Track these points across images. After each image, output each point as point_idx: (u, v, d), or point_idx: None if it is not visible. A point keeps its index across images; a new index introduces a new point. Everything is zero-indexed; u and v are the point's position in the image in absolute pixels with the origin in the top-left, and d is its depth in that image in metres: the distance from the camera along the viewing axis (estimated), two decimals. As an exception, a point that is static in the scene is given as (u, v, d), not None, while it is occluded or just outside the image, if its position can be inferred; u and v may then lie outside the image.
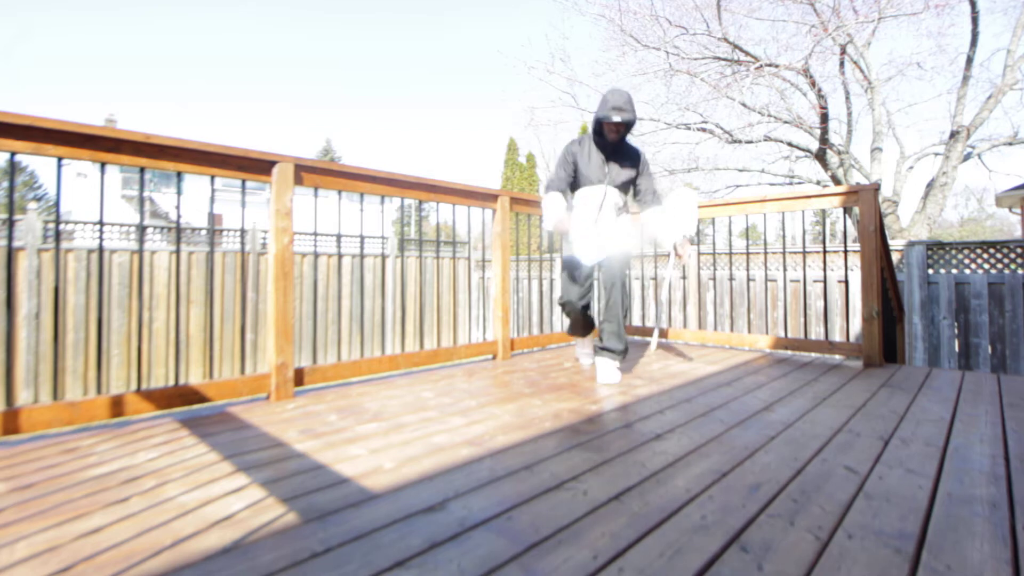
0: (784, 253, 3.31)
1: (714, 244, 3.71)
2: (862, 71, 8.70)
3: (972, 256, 5.48)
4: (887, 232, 7.57)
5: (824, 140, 8.91)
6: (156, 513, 1.07)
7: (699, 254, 4.94)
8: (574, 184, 2.65)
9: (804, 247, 3.17)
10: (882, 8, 7.75)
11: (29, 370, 6.49)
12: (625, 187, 2.63)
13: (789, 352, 3.22)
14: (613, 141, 2.52)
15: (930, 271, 5.68)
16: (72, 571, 0.86)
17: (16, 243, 6.55)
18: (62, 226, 7.94)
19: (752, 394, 2.14)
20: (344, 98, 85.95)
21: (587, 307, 2.72)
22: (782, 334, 6.11)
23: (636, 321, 6.65)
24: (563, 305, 2.70)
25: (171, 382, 7.45)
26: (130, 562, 0.89)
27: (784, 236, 3.47)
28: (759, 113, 9.32)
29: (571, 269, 2.65)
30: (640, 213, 2.74)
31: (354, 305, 8.85)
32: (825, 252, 3.22)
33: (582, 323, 2.78)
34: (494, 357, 3.09)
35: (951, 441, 1.54)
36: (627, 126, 2.48)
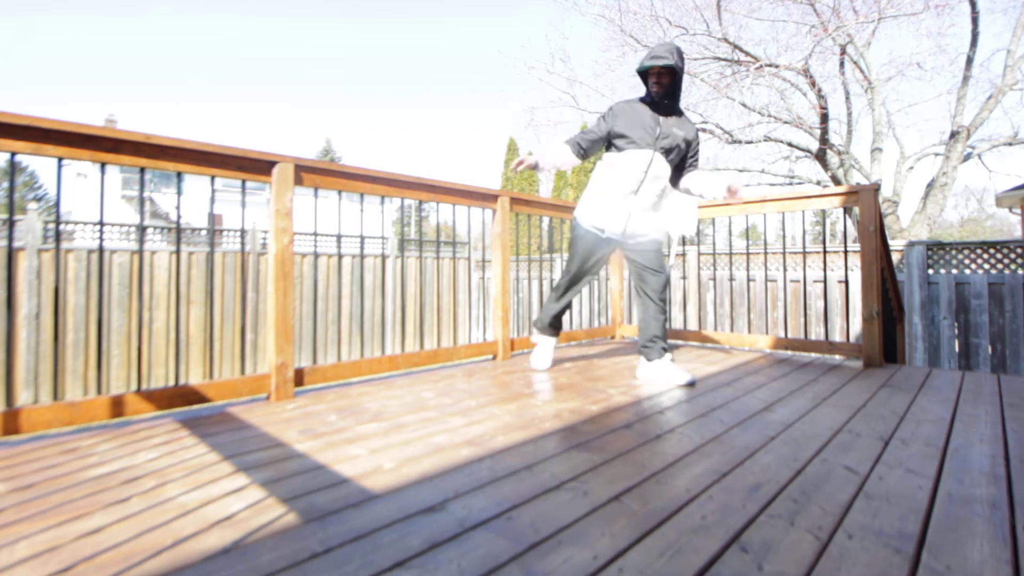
0: (784, 253, 3.32)
1: (714, 244, 3.71)
2: (862, 71, 8.70)
3: (972, 256, 5.47)
4: (887, 232, 7.56)
5: (824, 140, 8.90)
6: (156, 513, 1.07)
7: (699, 254, 4.94)
8: (614, 147, 2.40)
9: (804, 247, 3.17)
10: (882, 8, 7.75)
11: (29, 370, 6.48)
12: (674, 157, 2.36)
13: (789, 352, 3.22)
14: (657, 93, 2.31)
15: (930, 271, 5.68)
16: (72, 571, 0.86)
17: (16, 243, 6.55)
18: (62, 226, 7.94)
19: (752, 394, 2.14)
20: (344, 98, 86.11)
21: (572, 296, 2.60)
22: (782, 334, 6.11)
23: (636, 321, 6.65)
24: (567, 286, 2.54)
25: (171, 382, 7.44)
26: (130, 562, 0.89)
27: (784, 236, 3.47)
28: (759, 113, 9.32)
29: (588, 242, 2.45)
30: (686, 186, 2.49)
31: (354, 305, 8.84)
32: (825, 252, 3.22)
33: (560, 315, 2.65)
34: (494, 357, 3.09)
35: (951, 441, 1.54)
36: (671, 74, 2.28)
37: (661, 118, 2.35)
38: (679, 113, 2.41)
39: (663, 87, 2.30)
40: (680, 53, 2.32)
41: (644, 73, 2.32)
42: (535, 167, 2.50)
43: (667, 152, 2.35)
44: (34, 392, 6.53)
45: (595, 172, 2.54)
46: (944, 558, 0.91)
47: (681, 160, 2.45)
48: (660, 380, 2.36)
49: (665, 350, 2.42)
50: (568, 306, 2.66)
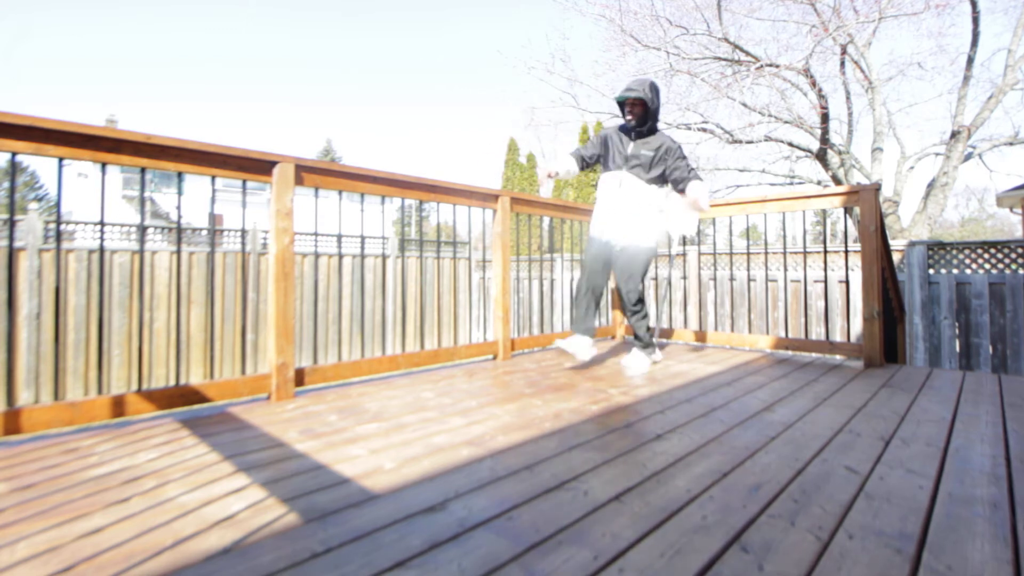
0: (785, 253, 3.31)
1: (715, 244, 3.71)
2: (863, 71, 8.70)
3: (973, 256, 5.47)
4: (888, 232, 7.55)
5: (825, 140, 8.90)
6: (156, 513, 1.07)
7: (699, 254, 4.94)
8: (602, 165, 2.89)
9: (805, 247, 3.17)
10: (882, 8, 7.74)
11: (30, 370, 6.48)
12: (647, 172, 2.70)
13: (790, 352, 3.22)
14: (629, 122, 2.70)
15: (931, 271, 5.67)
16: (73, 571, 0.86)
17: (17, 243, 6.55)
18: (63, 226, 7.94)
19: (752, 394, 2.13)
20: (344, 98, 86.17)
21: (597, 297, 2.78)
22: (783, 334, 6.11)
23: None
24: (578, 286, 2.83)
25: (172, 382, 7.44)
26: (130, 562, 0.89)
27: (785, 236, 3.47)
28: (759, 113, 9.31)
29: (587, 249, 2.84)
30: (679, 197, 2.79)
31: (354, 305, 8.84)
32: (826, 252, 3.22)
33: (583, 314, 2.76)
34: (495, 357, 3.09)
35: (952, 441, 1.54)
36: (641, 105, 2.64)
37: (630, 145, 2.74)
38: (646, 135, 2.75)
39: (636, 117, 2.69)
40: (653, 87, 2.67)
41: (621, 103, 2.71)
42: (557, 176, 2.85)
43: (636, 168, 2.71)
44: (35, 392, 6.53)
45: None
46: (945, 558, 0.91)
47: (659, 172, 2.74)
48: (628, 365, 2.74)
49: (643, 346, 2.79)
50: (586, 308, 2.80)
